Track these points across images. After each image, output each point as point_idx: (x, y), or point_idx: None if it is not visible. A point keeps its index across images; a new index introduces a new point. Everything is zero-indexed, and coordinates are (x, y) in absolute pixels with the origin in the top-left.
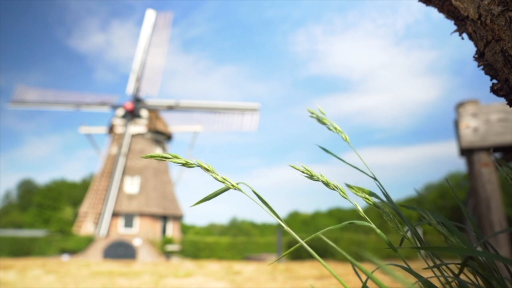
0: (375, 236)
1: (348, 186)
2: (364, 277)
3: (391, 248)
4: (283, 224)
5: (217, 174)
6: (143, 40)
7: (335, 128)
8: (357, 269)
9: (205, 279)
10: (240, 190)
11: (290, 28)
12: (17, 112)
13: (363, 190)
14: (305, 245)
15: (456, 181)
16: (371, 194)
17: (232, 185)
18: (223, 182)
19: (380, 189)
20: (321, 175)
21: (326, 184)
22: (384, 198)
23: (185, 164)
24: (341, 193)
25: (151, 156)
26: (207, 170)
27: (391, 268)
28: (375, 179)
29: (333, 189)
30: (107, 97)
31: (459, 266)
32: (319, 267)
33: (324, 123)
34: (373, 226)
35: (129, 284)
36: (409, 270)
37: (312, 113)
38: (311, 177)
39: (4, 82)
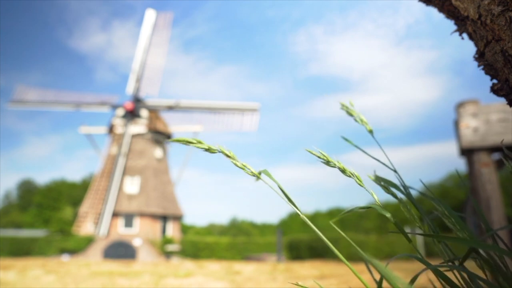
0: (375, 236)
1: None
2: (375, 274)
3: (407, 239)
4: (300, 214)
5: (237, 161)
6: (143, 40)
7: (361, 120)
8: (370, 267)
9: (205, 279)
10: (259, 177)
11: (290, 28)
12: (17, 112)
13: (382, 179)
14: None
15: (456, 181)
16: (390, 183)
17: (252, 173)
18: (243, 169)
19: (400, 181)
20: (337, 162)
21: (343, 170)
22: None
23: (208, 150)
24: (357, 180)
25: (177, 140)
26: (228, 156)
27: (395, 265)
28: (395, 171)
29: (349, 176)
30: (107, 97)
31: (473, 260)
32: (319, 267)
33: (351, 115)
34: (388, 215)
35: (129, 284)
36: (421, 260)
37: (343, 105)
38: (327, 162)
39: (4, 82)
